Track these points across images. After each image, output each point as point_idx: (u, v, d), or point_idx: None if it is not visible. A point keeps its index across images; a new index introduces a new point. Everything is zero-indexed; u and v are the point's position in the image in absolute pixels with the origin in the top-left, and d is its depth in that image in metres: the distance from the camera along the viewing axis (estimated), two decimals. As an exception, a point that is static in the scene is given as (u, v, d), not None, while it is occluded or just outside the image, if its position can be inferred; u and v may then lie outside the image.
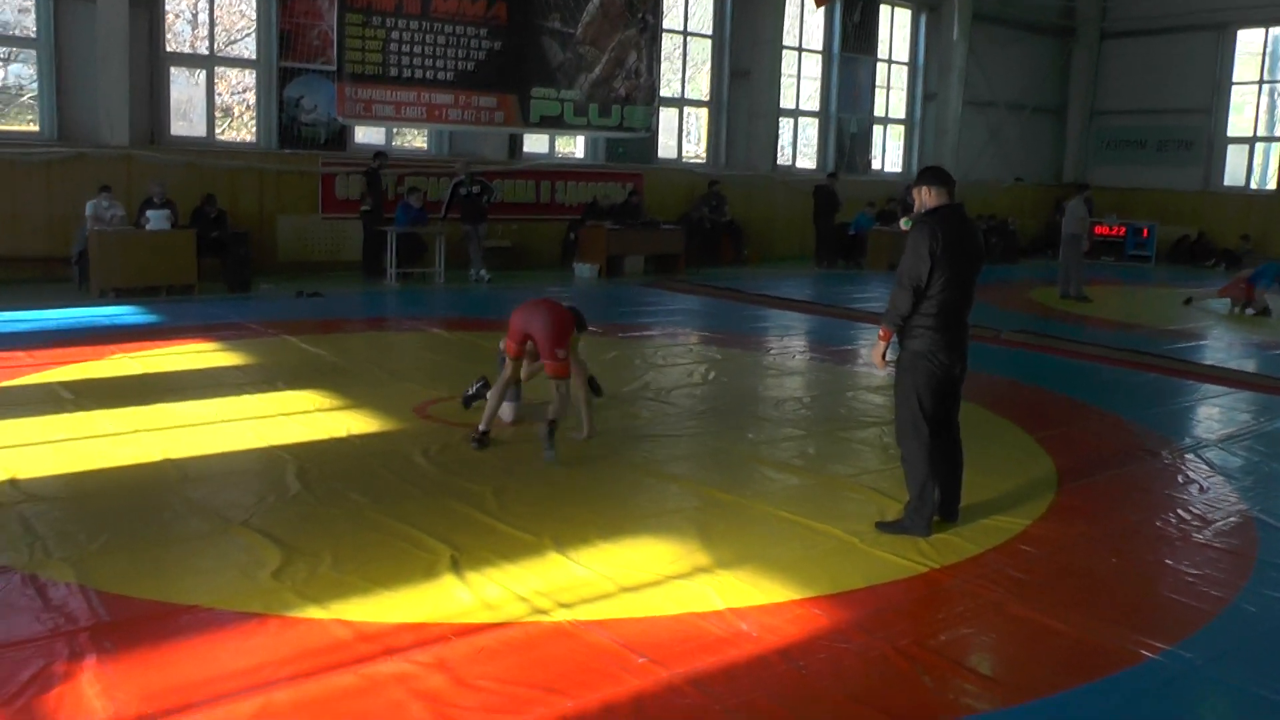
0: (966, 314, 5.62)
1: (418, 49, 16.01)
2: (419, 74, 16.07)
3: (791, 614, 4.52)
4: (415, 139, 18.13)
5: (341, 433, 7.12)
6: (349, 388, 8.39)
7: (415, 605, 4.41)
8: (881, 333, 5.66)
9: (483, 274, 15.91)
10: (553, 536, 5.26)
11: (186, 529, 5.27)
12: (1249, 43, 25.60)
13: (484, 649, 4.06)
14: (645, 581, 4.77)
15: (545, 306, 7.03)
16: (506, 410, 7.49)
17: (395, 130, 17.50)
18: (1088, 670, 4.18)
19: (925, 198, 5.60)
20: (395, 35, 15.78)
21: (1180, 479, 7.03)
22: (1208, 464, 7.38)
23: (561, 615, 4.37)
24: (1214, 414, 9.23)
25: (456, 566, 4.82)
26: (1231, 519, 6.16)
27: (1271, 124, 25.48)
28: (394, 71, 15.83)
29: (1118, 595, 5.00)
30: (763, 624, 4.39)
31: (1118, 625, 4.58)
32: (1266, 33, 25.30)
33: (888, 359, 5.77)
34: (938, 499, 5.67)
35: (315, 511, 5.55)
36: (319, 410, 7.68)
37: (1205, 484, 6.90)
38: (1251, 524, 6.07)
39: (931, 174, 5.65)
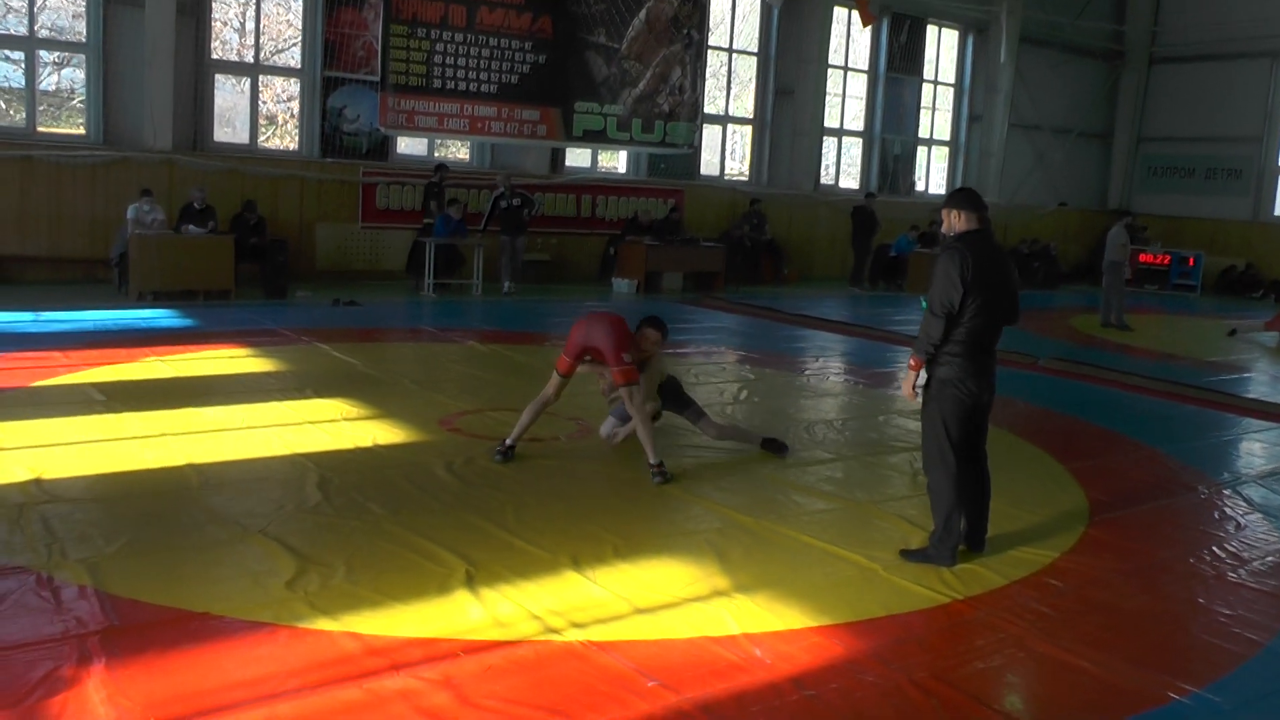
0: (995, 342, 5.51)
1: (461, 61, 16.14)
2: (462, 86, 16.19)
3: (807, 641, 4.43)
4: (458, 151, 18.21)
5: (366, 443, 7.11)
6: (377, 397, 8.40)
7: (426, 620, 4.37)
8: (912, 362, 5.56)
9: (509, 286, 15.91)
10: (570, 554, 5.20)
11: (203, 535, 5.26)
12: (1302, 72, 25.22)
13: (492, 667, 4.00)
14: (660, 603, 4.69)
15: (606, 319, 7.02)
16: (610, 426, 7.50)
17: (438, 142, 17.59)
18: (1111, 711, 4.06)
19: (955, 221, 5.49)
20: (440, 47, 15.91)
21: (1217, 515, 6.87)
22: (1246, 501, 7.21)
23: (573, 635, 4.31)
24: (1255, 449, 9.04)
25: (471, 582, 4.78)
26: (1269, 558, 6.00)
27: (1324, 153, 25.03)
28: (437, 83, 15.95)
29: (1146, 634, 4.86)
30: (777, 651, 4.31)
31: (1145, 665, 4.45)
32: (1318, 59, 24.93)
33: (917, 388, 5.65)
34: (964, 529, 5.58)
35: (333, 522, 5.52)
36: (345, 419, 7.68)
37: (1243, 521, 6.73)
38: (1289, 564, 5.91)
39: (963, 197, 5.54)
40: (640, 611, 4.60)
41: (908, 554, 5.55)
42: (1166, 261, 24.14)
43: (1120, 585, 5.43)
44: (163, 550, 5.03)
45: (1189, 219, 25.79)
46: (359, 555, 5.04)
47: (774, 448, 7.54)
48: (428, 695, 3.75)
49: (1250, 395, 11.55)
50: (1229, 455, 8.84)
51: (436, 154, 17.79)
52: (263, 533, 5.27)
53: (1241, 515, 6.85)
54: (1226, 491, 7.41)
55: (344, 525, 5.47)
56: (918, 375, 5.59)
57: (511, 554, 5.18)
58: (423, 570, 4.90)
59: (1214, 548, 6.13)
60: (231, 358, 9.73)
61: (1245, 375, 13.14)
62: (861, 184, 22.74)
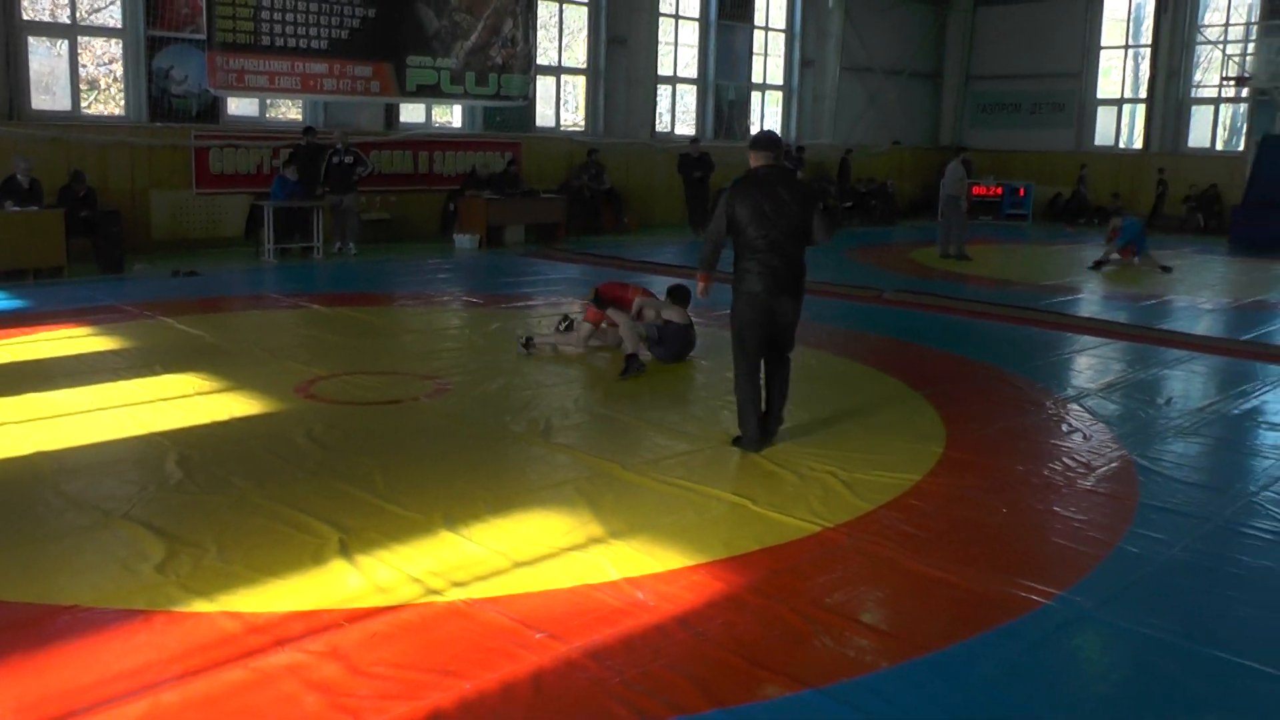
0: (780, 259, 6.32)
1: (290, 16, 15.64)
2: (292, 43, 15.70)
3: (687, 581, 4.53)
4: (290, 110, 17.66)
5: (223, 416, 6.91)
6: (229, 369, 8.16)
7: (305, 592, 4.31)
8: (699, 277, 6.63)
9: (350, 247, 15.59)
10: (443, 514, 5.18)
11: (62, 524, 5.05)
12: (1115, 9, 26.54)
13: (377, 634, 3.98)
14: (539, 555, 4.73)
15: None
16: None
17: (269, 102, 17.03)
18: (983, 621, 4.28)
19: (752, 160, 6.46)
20: (267, 2, 15.36)
21: (1064, 428, 7.27)
22: (1090, 412, 7.66)
23: (455, 594, 4.31)
24: (1093, 364, 9.57)
25: (345, 550, 4.72)
26: (1113, 464, 6.41)
27: (1137, 86, 26.36)
28: (266, 40, 15.43)
29: (1009, 545, 5.14)
30: (659, 592, 4.40)
31: (1010, 574, 4.70)
32: (1130, 0, 26.18)
33: (707, 292, 6.67)
34: (755, 420, 6.48)
35: (198, 500, 5.37)
36: (199, 394, 7.45)
37: (1088, 431, 7.16)
38: (1132, 468, 6.32)
39: (754, 139, 6.57)
40: (519, 565, 4.63)
41: (735, 441, 6.51)
42: (999, 193, 25.12)
43: (981, 501, 5.70)
44: (20, 544, 4.80)
45: (1018, 152, 26.88)
46: (229, 532, 4.92)
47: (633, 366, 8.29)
48: (316, 668, 3.72)
49: (1084, 314, 12.19)
50: (1071, 371, 9.33)
51: (268, 114, 17.23)
52: (126, 516, 5.09)
53: (1087, 426, 7.28)
54: (1071, 405, 7.85)
55: (210, 502, 5.33)
56: (704, 285, 6.62)
57: (383, 518, 5.13)
58: (296, 542, 4.82)
59: (1064, 459, 6.50)
60: (70, 338, 9.29)
61: (1078, 296, 13.83)
62: (698, 130, 22.97)
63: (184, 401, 7.23)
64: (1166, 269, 16.22)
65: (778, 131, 24.52)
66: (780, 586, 4.50)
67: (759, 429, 6.48)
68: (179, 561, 4.58)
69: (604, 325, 8.99)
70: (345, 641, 3.91)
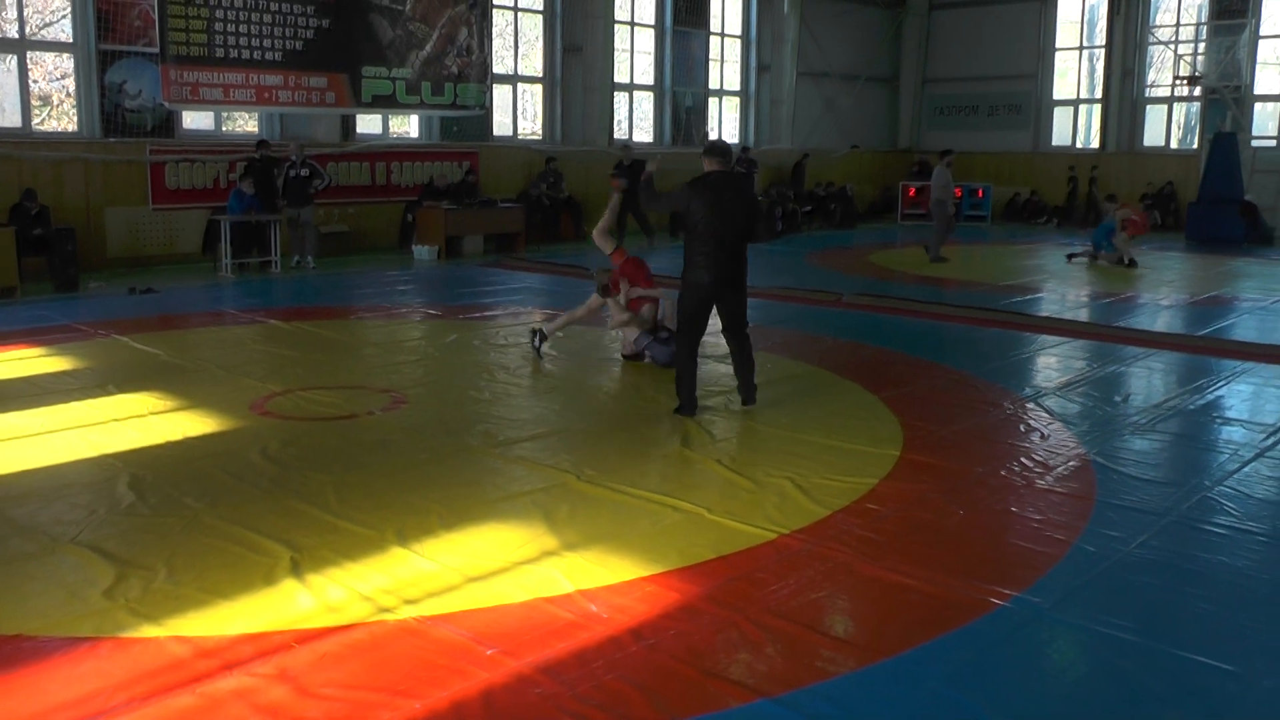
0: (725, 252, 7.14)
1: (244, 28, 15.53)
2: (246, 55, 15.60)
3: (641, 591, 4.51)
4: (246, 123, 17.53)
5: (177, 436, 6.83)
6: (184, 387, 8.08)
7: (255, 614, 4.26)
8: (615, 184, 8.74)
9: (308, 261, 15.49)
10: (396, 530, 5.14)
11: (8, 550, 4.95)
12: (1068, 11, 26.88)
13: (327, 654, 3.94)
14: (492, 570, 4.69)
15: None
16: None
17: (225, 115, 16.90)
18: (940, 623, 4.28)
19: (706, 165, 7.27)
20: (220, 14, 15.27)
21: (1022, 428, 7.31)
22: (1048, 412, 7.71)
23: (407, 612, 4.27)
24: (1052, 363, 9.65)
25: (297, 569, 4.68)
26: (1071, 463, 6.45)
27: (1092, 87, 26.67)
28: (220, 52, 15.31)
29: (966, 547, 5.15)
30: (612, 604, 4.38)
31: (968, 576, 4.72)
32: (1084, 2, 26.62)
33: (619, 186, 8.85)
34: (692, 390, 7.42)
35: (149, 522, 5.30)
36: (153, 413, 7.36)
37: (1046, 431, 7.20)
38: (1089, 467, 6.37)
39: (707, 148, 7.38)
40: (472, 580, 4.59)
41: (676, 410, 7.35)
42: (958, 194, 25.26)
43: (938, 503, 5.72)
44: (-37, 572, 4.72)
45: (976, 153, 27.06)
46: (180, 554, 4.86)
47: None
48: (264, 691, 3.67)
49: (1043, 314, 12.29)
50: (1029, 371, 9.39)
51: (224, 126, 17.10)
52: (74, 541, 5.01)
53: (1045, 426, 7.33)
54: (1029, 405, 7.90)
55: (161, 524, 5.26)
56: (616, 192, 9.05)
57: (336, 535, 5.08)
58: (247, 562, 4.76)
59: (1022, 459, 6.54)
60: (22, 359, 9.16)
61: (1037, 296, 13.95)
62: (655, 137, 23.01)
63: (138, 422, 7.14)
64: (1132, 263, 16.41)
65: (736, 137, 24.81)
66: (735, 595, 4.49)
67: (692, 399, 7.40)
68: (128, 586, 4.51)
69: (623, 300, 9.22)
70: (295, 663, 3.87)
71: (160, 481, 5.89)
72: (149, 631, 4.11)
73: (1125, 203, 19.88)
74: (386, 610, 4.30)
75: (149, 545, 4.97)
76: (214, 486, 5.82)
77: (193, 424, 7.09)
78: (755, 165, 22.33)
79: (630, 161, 19.06)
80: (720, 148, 7.41)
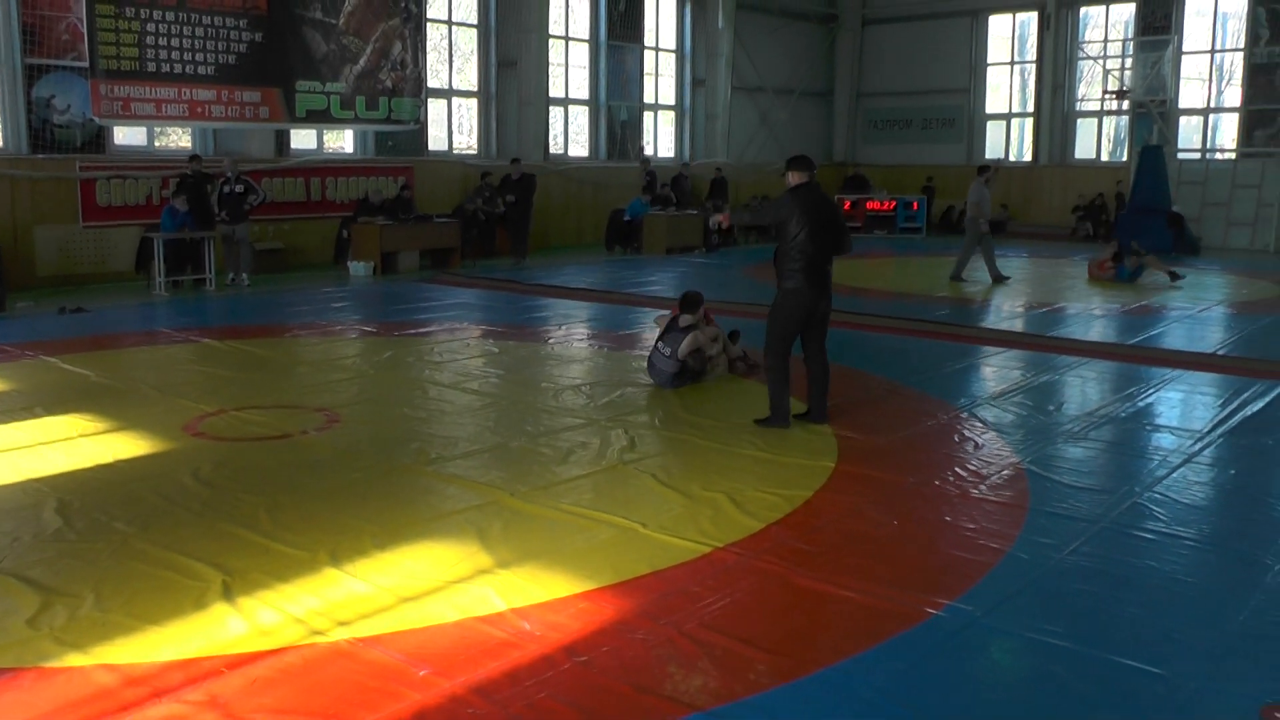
0: (826, 264, 7.47)
1: (176, 42, 15.34)
2: (178, 69, 15.41)
3: (575, 608, 4.51)
4: (180, 139, 17.31)
5: (107, 458, 6.71)
6: (115, 409, 7.94)
7: (185, 640, 4.19)
8: (721, 217, 8.41)
9: (243, 278, 15.31)
10: (329, 551, 5.09)
11: (-73, 580, 4.84)
12: (1000, 27, 27.41)
13: (258, 679, 3.89)
14: (425, 590, 4.67)
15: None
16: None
17: (158, 130, 16.68)
18: (874, 634, 4.33)
19: (791, 179, 7.48)
20: (151, 28, 15.06)
21: (957, 438, 7.41)
22: (982, 421, 7.82)
23: (339, 634, 4.23)
24: (986, 374, 9.80)
25: (229, 593, 4.62)
26: (1005, 472, 6.55)
27: (1024, 101, 27.17)
28: (152, 66, 15.11)
29: (901, 557, 5.21)
30: (546, 621, 4.37)
31: (902, 586, 4.77)
32: (1014, 18, 27.09)
33: (720, 223, 8.53)
34: (807, 407, 7.66)
35: (76, 548, 5.20)
36: (82, 436, 7.23)
37: (980, 441, 7.31)
38: (1023, 475, 6.47)
39: (793, 161, 7.59)
40: (405, 600, 4.56)
41: (759, 421, 7.55)
42: (892, 207, 25.62)
43: (873, 514, 5.78)
44: (-122, 604, 4.58)
45: (911, 166, 27.49)
46: (108, 580, 4.77)
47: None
48: (194, 719, 3.62)
49: (978, 324, 12.48)
50: (964, 381, 9.52)
51: (156, 142, 16.87)
52: (-4, 569, 4.91)
53: (979, 436, 7.44)
54: (964, 415, 8.00)
55: (89, 550, 5.16)
56: (723, 219, 8.42)
57: (269, 558, 5.03)
58: (178, 587, 4.69)
59: (957, 468, 6.63)
60: (-55, 381, 8.96)
61: (971, 306, 14.14)
62: (590, 151, 23.08)
63: (66, 444, 7.01)
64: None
65: (672, 152, 24.90)
66: (669, 609, 4.50)
67: (787, 410, 7.62)
68: (53, 614, 4.42)
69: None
70: (225, 690, 3.82)
71: (88, 506, 5.78)
72: (75, 660, 4.03)
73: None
74: (319, 633, 4.25)
75: (76, 572, 4.88)
76: (144, 510, 5.72)
77: (123, 446, 6.98)
78: (686, 178, 22.50)
79: (520, 175, 18.79)
80: (806, 161, 7.61)
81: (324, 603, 4.53)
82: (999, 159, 27.23)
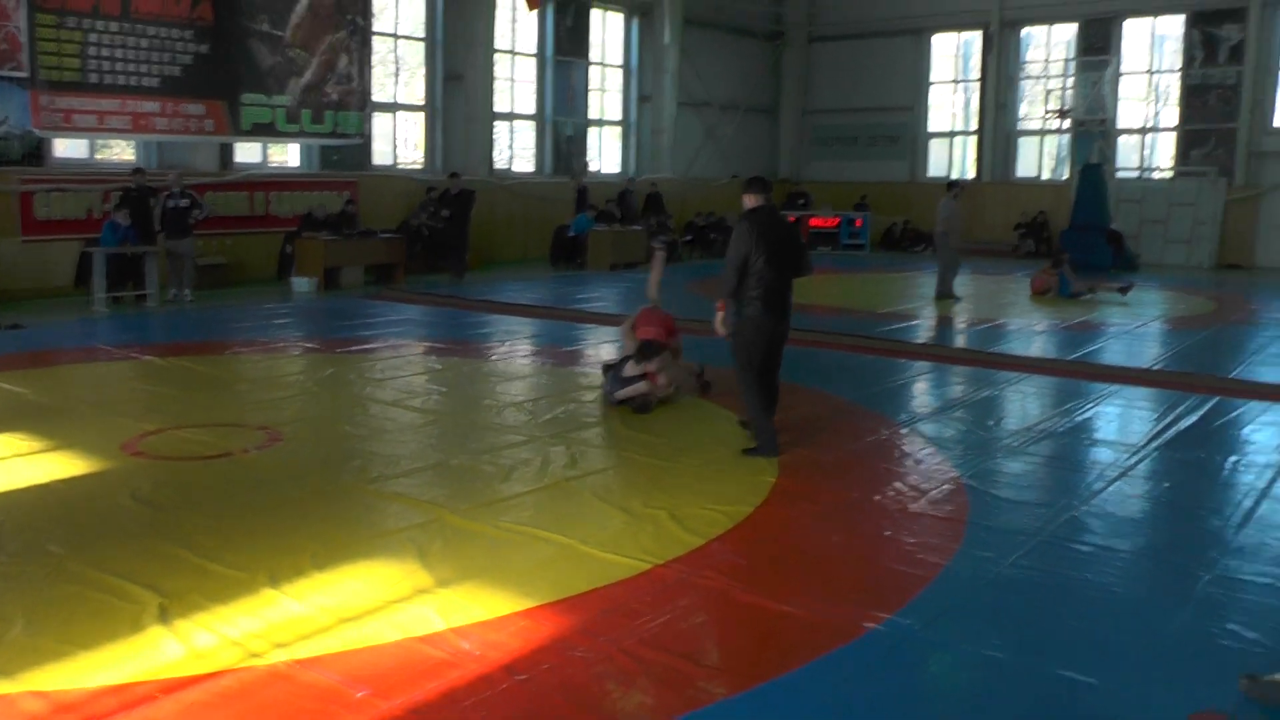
0: (786, 288, 7.27)
1: (119, 53, 15.11)
2: (121, 80, 15.16)
3: (515, 627, 4.51)
4: (122, 151, 17.09)
5: (42, 479, 6.59)
6: (52, 428, 7.80)
7: (119, 664, 4.13)
8: (719, 305, 7.43)
9: (185, 294, 15.14)
10: (268, 572, 5.04)
11: None
12: (944, 46, 27.77)
13: (194, 704, 3.84)
14: (364, 610, 4.64)
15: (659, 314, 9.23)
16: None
17: (100, 143, 16.45)
18: (814, 648, 4.37)
19: (746, 201, 7.35)
20: (94, 38, 14.81)
21: (897, 453, 7.51)
22: (923, 436, 7.91)
23: (277, 656, 4.20)
24: (927, 389, 9.93)
25: (165, 616, 4.55)
26: (945, 486, 6.64)
27: (967, 119, 27.56)
28: (94, 78, 14.87)
29: (842, 571, 5.27)
30: (485, 640, 4.37)
31: (843, 601, 4.82)
32: (958, 37, 27.48)
33: (727, 324, 7.38)
34: (772, 426, 7.28)
35: (7, 570, 5.10)
36: (17, 455, 7.09)
37: (920, 456, 7.42)
38: (962, 490, 6.56)
39: (749, 183, 7.50)
40: (344, 621, 4.53)
41: (746, 451, 7.25)
42: (836, 224, 25.89)
43: (813, 529, 5.84)
44: None
45: (855, 183, 27.75)
46: (40, 603, 4.69)
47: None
48: (124, 745, 3.58)
49: (919, 340, 12.62)
50: (905, 397, 9.64)
51: (98, 155, 16.64)
52: (-78, 593, 4.81)
53: (919, 450, 7.54)
54: (904, 430, 8.09)
55: (20, 573, 5.06)
56: (724, 313, 7.38)
57: (207, 579, 4.96)
58: (113, 610, 4.62)
59: (897, 483, 6.71)
60: (-126, 400, 8.77)
61: (914, 323, 14.30)
62: (537, 166, 23.11)
63: (-1, 465, 6.90)
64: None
65: (618, 167, 24.95)
66: (610, 626, 4.51)
67: (774, 439, 7.31)
68: (-20, 638, 4.34)
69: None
70: (159, 715, 3.77)
71: (21, 527, 5.69)
72: (2, 687, 3.95)
73: None
74: (256, 655, 4.22)
75: (6, 595, 4.79)
76: (80, 531, 5.64)
77: (59, 466, 6.86)
78: (630, 193, 22.48)
79: (459, 190, 18.60)
80: (763, 183, 7.53)
81: (262, 624, 4.49)
82: (942, 176, 27.57)
